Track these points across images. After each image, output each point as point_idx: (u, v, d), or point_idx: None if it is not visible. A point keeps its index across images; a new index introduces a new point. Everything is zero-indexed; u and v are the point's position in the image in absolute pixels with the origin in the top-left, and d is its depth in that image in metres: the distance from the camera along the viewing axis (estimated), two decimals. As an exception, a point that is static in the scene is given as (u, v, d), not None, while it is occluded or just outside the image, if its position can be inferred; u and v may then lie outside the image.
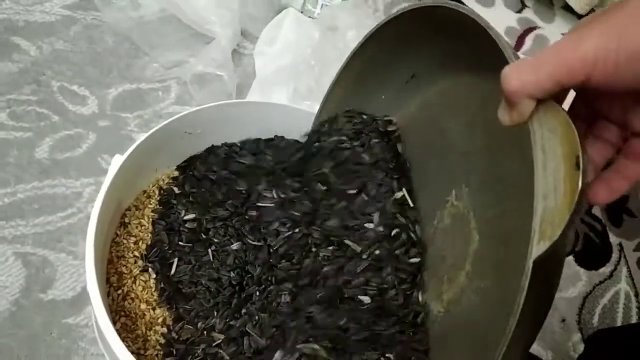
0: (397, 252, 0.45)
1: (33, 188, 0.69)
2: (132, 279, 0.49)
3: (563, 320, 0.76)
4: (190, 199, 0.53)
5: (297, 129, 0.57)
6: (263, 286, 0.47)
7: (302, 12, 0.89)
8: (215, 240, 0.49)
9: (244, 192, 0.52)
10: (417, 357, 0.43)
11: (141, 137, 0.64)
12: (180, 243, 0.51)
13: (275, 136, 0.59)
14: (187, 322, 0.47)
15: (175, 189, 0.54)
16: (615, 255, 0.84)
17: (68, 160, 0.72)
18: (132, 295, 0.48)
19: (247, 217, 0.50)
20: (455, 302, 0.42)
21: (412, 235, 0.47)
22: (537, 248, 0.26)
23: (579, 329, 0.76)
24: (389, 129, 0.51)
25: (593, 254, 0.84)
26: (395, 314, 0.44)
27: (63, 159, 0.72)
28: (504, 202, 0.39)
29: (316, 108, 0.76)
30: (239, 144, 0.58)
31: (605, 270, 0.83)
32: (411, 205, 0.49)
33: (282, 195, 0.50)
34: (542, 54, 0.26)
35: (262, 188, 0.51)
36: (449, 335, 0.42)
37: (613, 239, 0.86)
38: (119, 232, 0.52)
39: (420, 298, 0.46)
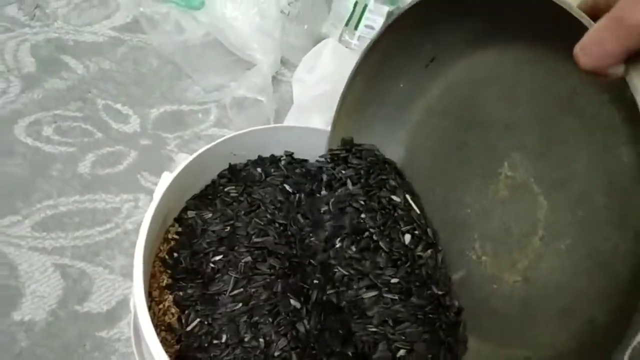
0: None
1: (74, 202, 0.71)
2: (173, 294, 0.50)
3: None
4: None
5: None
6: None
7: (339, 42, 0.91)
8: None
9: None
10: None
11: (186, 157, 0.66)
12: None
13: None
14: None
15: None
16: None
17: (109, 176, 0.74)
18: (173, 310, 0.49)
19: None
20: (533, 268, 0.42)
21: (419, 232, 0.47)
22: None
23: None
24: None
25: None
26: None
27: (104, 175, 0.74)
28: (569, 163, 0.39)
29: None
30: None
31: None
32: (417, 211, 0.49)
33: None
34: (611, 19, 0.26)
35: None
36: (534, 301, 0.42)
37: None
38: (162, 248, 0.53)
39: (454, 303, 0.46)
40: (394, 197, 0.48)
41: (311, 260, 0.48)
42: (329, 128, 0.64)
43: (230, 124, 0.83)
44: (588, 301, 0.37)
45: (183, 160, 0.69)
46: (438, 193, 0.51)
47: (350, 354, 0.46)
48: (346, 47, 0.89)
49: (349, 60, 0.82)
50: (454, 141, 0.50)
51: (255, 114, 0.81)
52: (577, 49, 0.27)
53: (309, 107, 0.80)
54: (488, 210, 0.46)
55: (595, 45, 0.26)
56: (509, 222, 0.44)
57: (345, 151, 0.53)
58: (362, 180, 0.49)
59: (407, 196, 0.49)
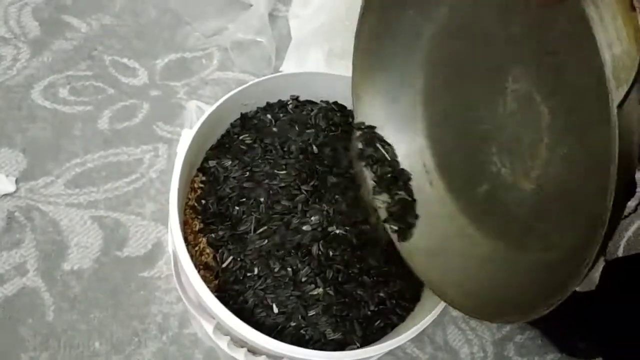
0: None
1: (100, 157, 0.76)
2: (206, 237, 0.56)
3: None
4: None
5: (338, 93, 0.65)
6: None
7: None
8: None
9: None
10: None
11: (196, 103, 0.70)
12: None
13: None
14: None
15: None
16: None
17: (127, 129, 0.78)
18: (207, 251, 0.55)
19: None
20: (544, 175, 0.46)
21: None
22: (617, 93, 0.28)
23: (605, 260, 0.81)
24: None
25: (618, 190, 0.88)
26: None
27: (122, 129, 0.78)
28: (561, 70, 0.41)
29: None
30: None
31: (630, 204, 0.87)
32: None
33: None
34: None
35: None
36: (546, 206, 0.46)
37: (637, 175, 0.90)
38: (190, 197, 0.58)
39: None
40: None
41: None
42: (326, 64, 0.68)
43: (234, 66, 0.86)
44: (592, 200, 0.40)
45: (194, 107, 0.73)
46: (458, 113, 0.54)
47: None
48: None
49: (342, -9, 0.84)
50: (464, 61, 0.52)
51: (256, 54, 0.84)
52: None
53: (307, 42, 0.83)
54: (501, 124, 0.49)
55: None
56: (520, 132, 0.47)
57: None
58: None
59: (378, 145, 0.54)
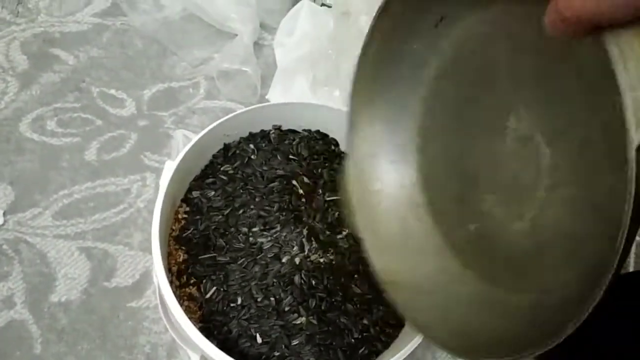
0: None
1: (87, 188, 0.76)
2: (190, 268, 0.56)
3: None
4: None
5: (320, 122, 0.66)
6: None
7: (321, 4, 0.91)
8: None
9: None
10: None
11: (182, 132, 0.71)
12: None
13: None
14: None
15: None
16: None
17: (114, 160, 0.79)
18: (192, 281, 0.56)
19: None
20: (540, 216, 0.44)
21: None
22: (637, 136, 0.27)
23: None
24: None
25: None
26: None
27: (110, 160, 0.79)
28: (570, 113, 0.41)
29: (335, 93, 0.82)
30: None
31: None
32: None
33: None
34: None
35: None
36: (542, 248, 0.44)
37: None
38: (174, 228, 0.59)
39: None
40: None
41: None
42: (311, 91, 0.68)
43: (220, 95, 0.87)
44: (591, 245, 0.39)
45: (181, 137, 0.74)
46: (456, 148, 0.53)
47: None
48: (322, 5, 0.92)
49: (326, 20, 0.86)
50: (467, 97, 0.52)
51: (242, 82, 0.85)
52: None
53: (292, 70, 0.84)
54: (498, 163, 0.48)
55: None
56: (517, 173, 0.46)
57: None
58: None
59: None
